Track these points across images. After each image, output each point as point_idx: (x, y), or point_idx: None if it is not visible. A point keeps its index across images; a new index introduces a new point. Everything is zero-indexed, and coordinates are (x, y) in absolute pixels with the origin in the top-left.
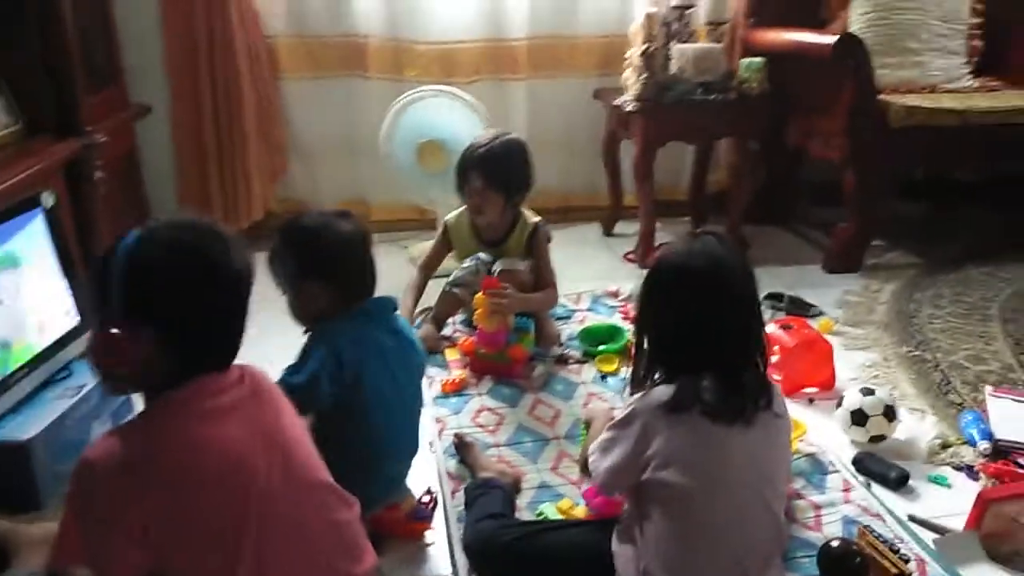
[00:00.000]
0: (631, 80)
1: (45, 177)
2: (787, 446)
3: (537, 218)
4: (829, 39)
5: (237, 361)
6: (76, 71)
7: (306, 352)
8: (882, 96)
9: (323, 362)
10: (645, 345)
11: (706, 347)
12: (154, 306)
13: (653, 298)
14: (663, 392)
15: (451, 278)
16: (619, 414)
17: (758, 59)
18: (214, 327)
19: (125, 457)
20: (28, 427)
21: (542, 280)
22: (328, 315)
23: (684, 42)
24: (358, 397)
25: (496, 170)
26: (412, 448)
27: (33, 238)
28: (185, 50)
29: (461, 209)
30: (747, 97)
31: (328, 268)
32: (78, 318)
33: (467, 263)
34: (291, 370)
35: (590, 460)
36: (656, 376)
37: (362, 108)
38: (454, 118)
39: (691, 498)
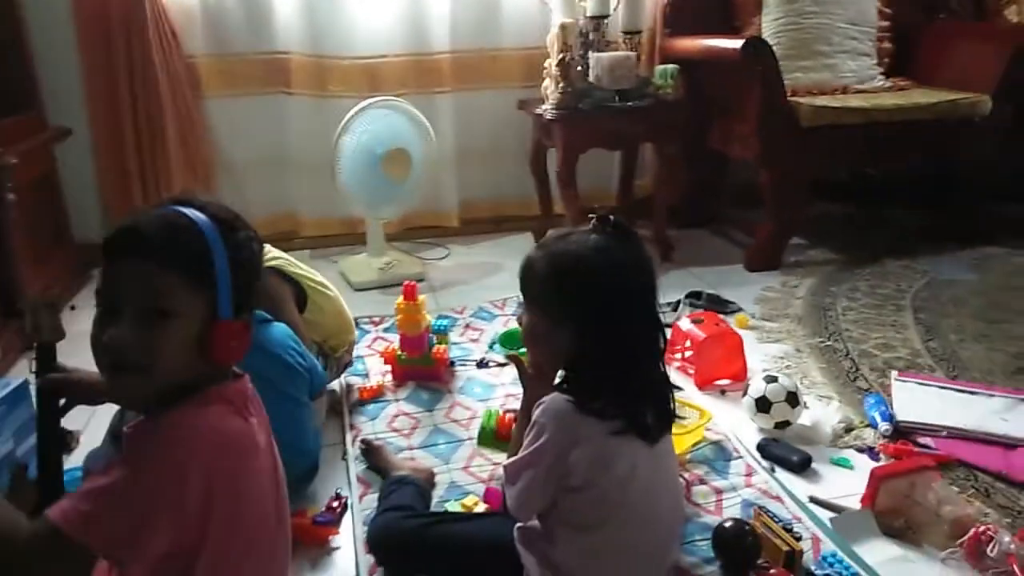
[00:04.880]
0: (550, 89)
1: None
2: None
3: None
4: (737, 43)
5: None
6: None
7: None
8: (793, 97)
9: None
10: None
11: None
12: None
13: (570, 296)
14: (582, 413)
15: None
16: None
17: (672, 66)
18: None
19: (213, 430)
20: None
21: None
22: None
23: (600, 51)
24: None
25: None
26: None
27: None
28: (103, 72)
29: None
30: (662, 103)
31: None
32: None
33: None
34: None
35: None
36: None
37: (287, 124)
38: (406, 128)
39: (605, 520)
